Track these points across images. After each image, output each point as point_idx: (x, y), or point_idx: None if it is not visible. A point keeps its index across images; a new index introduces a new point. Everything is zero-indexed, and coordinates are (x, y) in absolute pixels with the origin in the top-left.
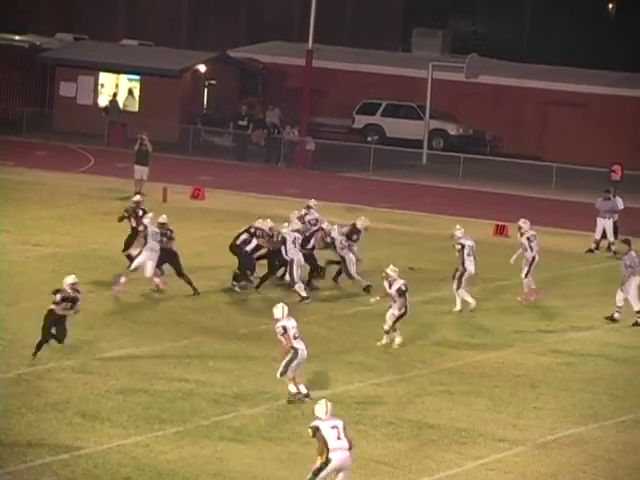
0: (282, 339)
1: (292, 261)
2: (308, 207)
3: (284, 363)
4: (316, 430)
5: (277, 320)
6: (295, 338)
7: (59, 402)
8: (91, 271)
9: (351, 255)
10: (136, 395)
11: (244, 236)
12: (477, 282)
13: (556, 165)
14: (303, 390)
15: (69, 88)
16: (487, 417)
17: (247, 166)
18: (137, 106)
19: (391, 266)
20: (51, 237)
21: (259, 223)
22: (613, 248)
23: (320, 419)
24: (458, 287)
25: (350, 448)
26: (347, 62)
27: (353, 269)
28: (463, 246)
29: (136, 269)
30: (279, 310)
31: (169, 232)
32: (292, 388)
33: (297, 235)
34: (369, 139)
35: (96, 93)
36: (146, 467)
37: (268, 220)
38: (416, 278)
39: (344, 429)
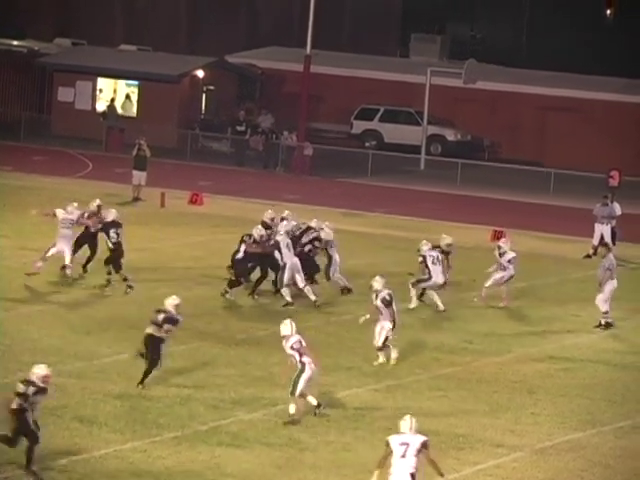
0: (295, 354)
1: (284, 265)
2: (282, 219)
3: (293, 380)
4: (387, 443)
5: (286, 337)
6: (302, 353)
7: (57, 407)
8: (89, 276)
9: (337, 256)
10: (134, 400)
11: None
12: (474, 287)
13: (554, 171)
14: (313, 402)
15: (67, 93)
16: (485, 423)
17: (245, 171)
18: (135, 111)
19: (377, 277)
20: (49, 242)
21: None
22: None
23: (403, 434)
24: (414, 286)
25: (413, 474)
26: (345, 67)
27: (334, 270)
28: (425, 257)
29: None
30: (287, 327)
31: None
32: (292, 409)
33: (288, 241)
34: (367, 144)
35: (94, 98)
36: (144, 472)
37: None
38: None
39: (417, 450)
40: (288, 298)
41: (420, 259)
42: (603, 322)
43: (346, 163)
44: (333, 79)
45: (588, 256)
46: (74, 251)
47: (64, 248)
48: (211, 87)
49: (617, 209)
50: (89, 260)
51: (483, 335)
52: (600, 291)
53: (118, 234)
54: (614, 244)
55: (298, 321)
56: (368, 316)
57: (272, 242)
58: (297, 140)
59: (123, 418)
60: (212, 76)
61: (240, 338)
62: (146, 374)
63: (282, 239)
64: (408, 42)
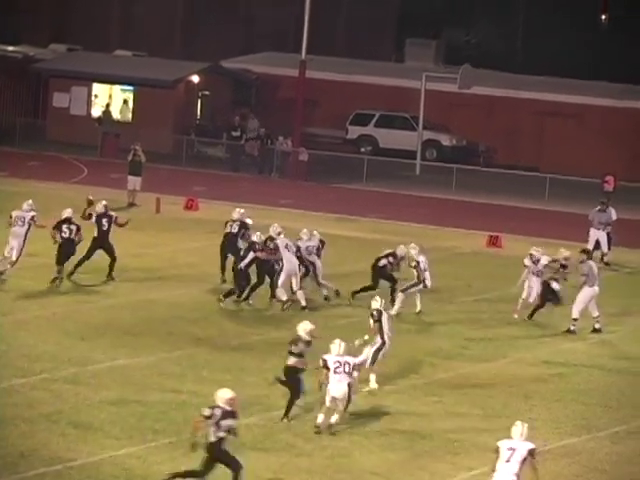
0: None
1: (282, 268)
2: (272, 239)
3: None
4: (496, 448)
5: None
6: (335, 372)
7: (52, 413)
8: (83, 281)
9: (319, 262)
10: (129, 406)
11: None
12: (470, 293)
13: (549, 176)
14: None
15: (62, 99)
16: (480, 428)
17: (240, 177)
18: (130, 117)
19: (377, 298)
20: (45, 248)
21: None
22: (605, 259)
23: (512, 439)
24: (404, 291)
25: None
26: (340, 73)
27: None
28: (418, 262)
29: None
30: (336, 346)
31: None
32: (320, 418)
33: (288, 242)
34: (362, 150)
35: (89, 104)
36: (139, 478)
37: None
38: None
39: (523, 456)
40: (283, 298)
41: (414, 264)
42: (572, 328)
43: (341, 168)
44: (328, 84)
45: (582, 262)
46: (88, 256)
47: (14, 244)
48: (206, 92)
49: (613, 214)
50: (110, 266)
51: (478, 340)
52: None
53: (71, 230)
54: (609, 249)
55: (293, 326)
56: (366, 337)
57: (273, 246)
58: (292, 145)
59: (118, 424)
60: (207, 81)
61: (235, 343)
62: (289, 407)
63: (281, 241)
64: (403, 47)
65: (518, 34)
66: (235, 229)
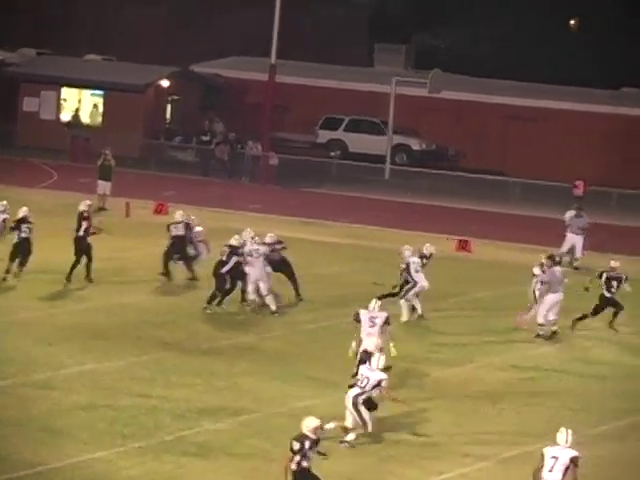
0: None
1: (248, 275)
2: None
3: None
4: (541, 455)
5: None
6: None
7: (21, 418)
8: (51, 286)
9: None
10: (99, 411)
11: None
12: (439, 297)
13: (518, 180)
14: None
15: (32, 103)
16: (449, 432)
17: (210, 181)
18: (100, 121)
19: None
20: (10, 252)
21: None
22: (575, 264)
23: (557, 446)
24: (402, 297)
25: None
26: (310, 77)
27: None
28: (408, 264)
29: None
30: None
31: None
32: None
33: (256, 247)
34: (332, 154)
35: (59, 108)
36: None
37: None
38: (382, 292)
39: (565, 466)
40: (252, 297)
41: (403, 267)
42: (541, 333)
43: (311, 173)
44: (298, 89)
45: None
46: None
47: None
48: (176, 97)
49: (587, 219)
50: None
51: (447, 345)
52: (540, 303)
53: (30, 229)
54: (583, 254)
55: (262, 331)
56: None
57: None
58: (262, 150)
59: (88, 429)
60: (177, 86)
61: (205, 347)
62: None
63: (247, 248)
64: (373, 52)
65: (488, 39)
66: (181, 231)
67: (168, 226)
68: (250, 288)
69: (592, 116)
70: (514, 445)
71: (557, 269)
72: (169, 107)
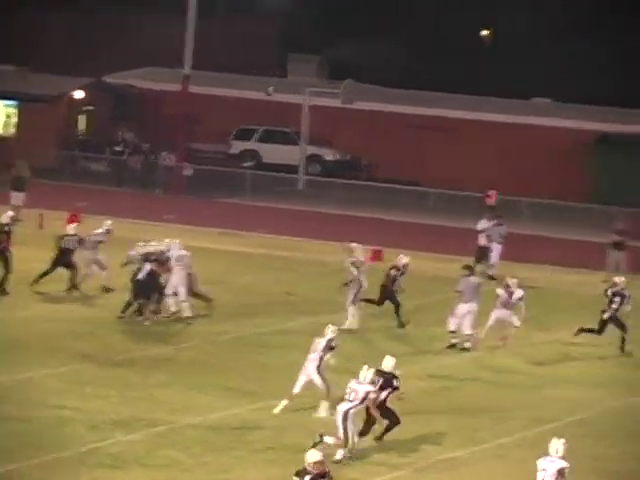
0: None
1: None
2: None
3: None
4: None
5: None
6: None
7: None
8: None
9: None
10: (11, 423)
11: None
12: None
13: (431, 190)
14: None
15: None
16: (366, 441)
17: (123, 192)
18: (14, 131)
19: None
20: None
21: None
22: (490, 272)
23: (550, 456)
24: (353, 302)
25: None
26: (223, 87)
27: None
28: (358, 266)
29: None
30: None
31: None
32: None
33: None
34: (245, 164)
35: None
36: None
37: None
38: (295, 302)
39: (554, 477)
40: (172, 309)
41: (354, 269)
42: (453, 342)
43: (224, 183)
44: (211, 99)
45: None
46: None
47: None
48: (89, 107)
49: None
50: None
51: (362, 356)
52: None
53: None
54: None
55: (178, 342)
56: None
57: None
58: (175, 160)
59: (0, 441)
60: (90, 96)
61: (119, 359)
62: None
63: (176, 254)
64: (286, 62)
65: (402, 50)
66: (70, 245)
67: (61, 237)
68: (170, 292)
69: (503, 126)
70: (430, 454)
71: (472, 279)
72: (83, 118)
